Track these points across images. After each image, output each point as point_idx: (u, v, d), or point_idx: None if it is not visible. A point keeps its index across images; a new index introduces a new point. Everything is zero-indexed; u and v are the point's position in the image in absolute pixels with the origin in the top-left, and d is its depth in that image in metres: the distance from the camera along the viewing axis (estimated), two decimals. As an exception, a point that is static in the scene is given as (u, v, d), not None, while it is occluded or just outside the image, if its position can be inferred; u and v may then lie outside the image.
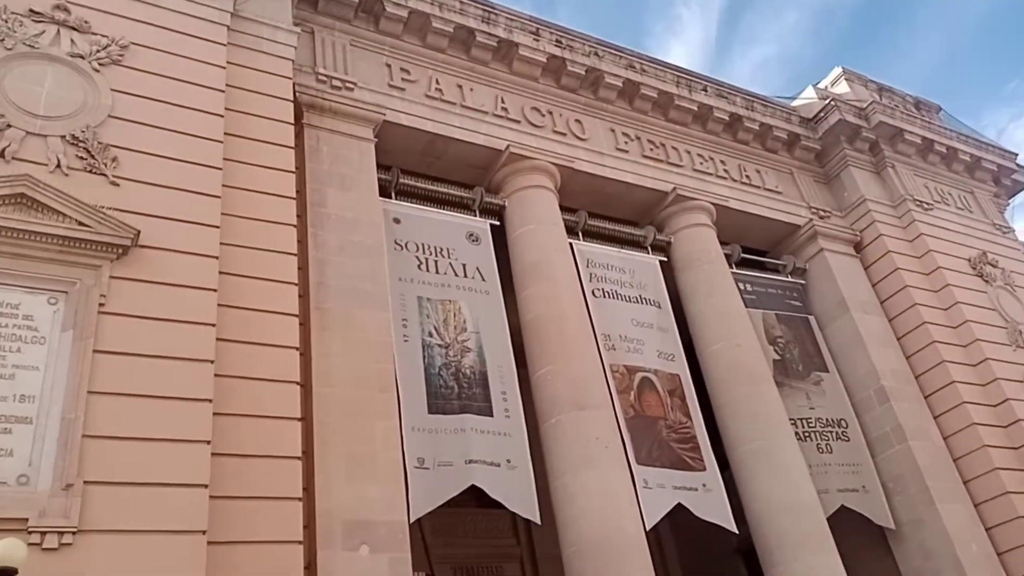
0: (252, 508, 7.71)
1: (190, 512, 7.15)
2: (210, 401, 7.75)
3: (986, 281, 16.42)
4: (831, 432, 14.25)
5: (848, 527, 13.02)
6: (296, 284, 9.34)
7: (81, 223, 7.89)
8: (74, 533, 6.65)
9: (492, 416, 10.89)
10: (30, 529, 6.51)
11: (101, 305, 7.73)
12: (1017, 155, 19.50)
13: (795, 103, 18.06)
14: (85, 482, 6.87)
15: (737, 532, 11.96)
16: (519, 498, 10.46)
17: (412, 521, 9.24)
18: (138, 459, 7.19)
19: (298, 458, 8.25)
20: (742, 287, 15.12)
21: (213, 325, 8.16)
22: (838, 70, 18.82)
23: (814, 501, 12.35)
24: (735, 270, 15.37)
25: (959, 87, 51.52)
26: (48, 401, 7.14)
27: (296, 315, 9.11)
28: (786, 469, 12.49)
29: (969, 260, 16.59)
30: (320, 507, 8.52)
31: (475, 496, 10.48)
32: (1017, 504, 13.20)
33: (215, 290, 8.36)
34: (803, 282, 16.36)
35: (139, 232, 8.10)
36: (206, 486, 7.33)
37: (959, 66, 51.29)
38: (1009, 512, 13.20)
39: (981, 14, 48.62)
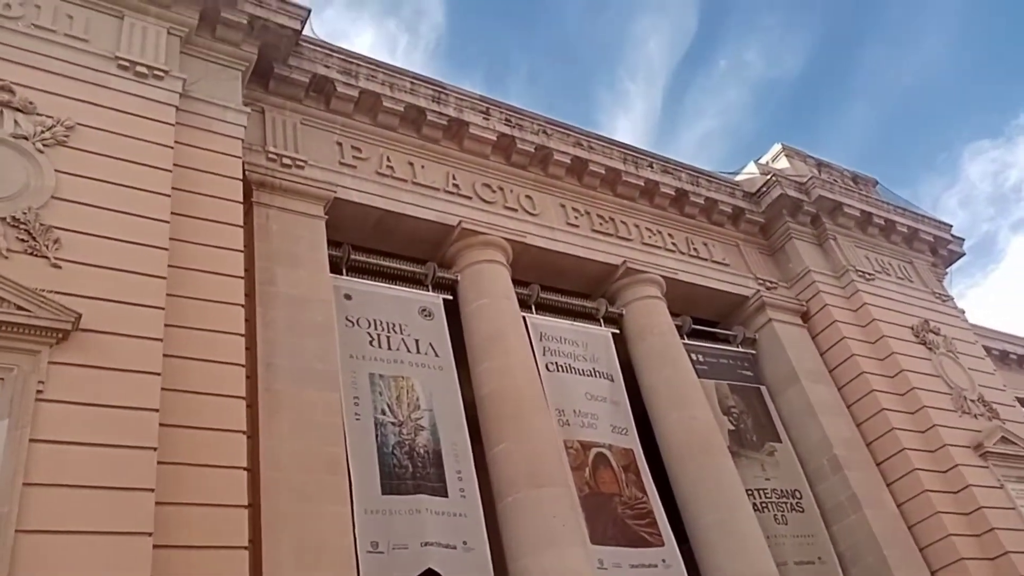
0: (195, 603, 7.37)
1: (129, 609, 6.78)
2: (152, 490, 7.42)
3: (929, 348, 16.78)
4: (786, 503, 14.22)
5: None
6: (243, 365, 9.11)
7: (20, 307, 7.62)
8: (3, 639, 6.26)
9: (447, 496, 10.63)
10: (-47, 635, 6.12)
11: (39, 392, 7.40)
12: (951, 226, 20.18)
13: (738, 178, 18.57)
14: (16, 581, 6.48)
15: (697, 608, 11.78)
16: (476, 582, 10.16)
17: (365, 610, 8.91)
18: (76, 554, 6.81)
19: (245, 547, 7.93)
20: (694, 358, 15.22)
21: (156, 411, 7.87)
22: (778, 146, 19.49)
23: (774, 575, 12.23)
24: (687, 341, 15.50)
25: (894, 159, 53.87)
26: (-21, 493, 6.77)
27: (243, 397, 8.87)
28: (746, 542, 12.37)
29: (912, 328, 16.95)
30: (268, 599, 8.17)
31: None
32: (973, 571, 13.23)
33: (159, 374, 8.10)
34: (753, 352, 16.55)
35: (80, 315, 7.86)
36: (147, 581, 6.97)
37: (893, 138, 53.75)
38: (965, 579, 13.25)
39: (910, 89, 51.30)
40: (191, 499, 7.81)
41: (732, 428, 14.81)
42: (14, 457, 7.00)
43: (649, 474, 12.97)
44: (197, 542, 7.63)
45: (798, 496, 14.40)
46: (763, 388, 16.00)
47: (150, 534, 7.19)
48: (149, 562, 7.04)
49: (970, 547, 13.55)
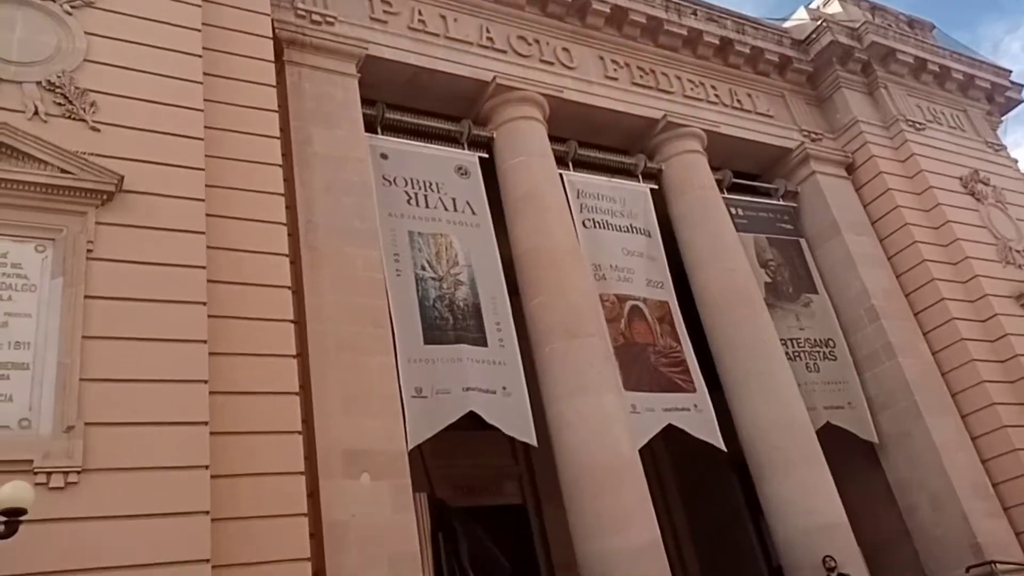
0: (252, 442, 7.88)
1: (192, 448, 7.32)
2: (205, 342, 7.83)
3: (977, 199, 16.40)
4: (819, 352, 14.48)
5: (836, 442, 13.30)
6: (284, 224, 9.31)
7: (63, 170, 7.83)
8: (79, 472, 6.81)
9: (487, 346, 11.03)
10: (36, 470, 6.65)
11: (89, 251, 7.73)
12: (1011, 72, 19.22)
13: (787, 24, 17.75)
14: (86, 424, 6.99)
15: (725, 450, 12.26)
16: (515, 423, 10.68)
17: (412, 448, 9.44)
18: (137, 400, 7.31)
19: (295, 393, 8.41)
20: (733, 212, 15.12)
21: (203, 267, 8.19)
22: (831, -11, 18.47)
23: (805, 419, 12.62)
24: (726, 195, 15.35)
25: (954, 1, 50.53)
26: (43, 347, 7.21)
27: (286, 255, 9.13)
28: (778, 389, 12.74)
29: (961, 179, 16.53)
30: (320, 439, 8.71)
31: (473, 418, 10.59)
32: (1003, 415, 13.49)
33: (203, 232, 8.35)
34: (795, 205, 16.36)
35: (123, 177, 8.06)
36: (206, 423, 7.48)
37: (956, -21, 50.24)
38: (995, 422, 13.49)
39: (979, -76, 47.42)
40: (242, 349, 8.23)
41: (769, 280, 14.89)
42: (71, 313, 7.41)
43: (683, 325, 13.23)
44: (250, 388, 8.09)
45: (831, 345, 14.62)
46: (802, 241, 15.92)
47: (205, 381, 7.67)
48: (207, 405, 7.56)
49: (1003, 393, 13.74)
